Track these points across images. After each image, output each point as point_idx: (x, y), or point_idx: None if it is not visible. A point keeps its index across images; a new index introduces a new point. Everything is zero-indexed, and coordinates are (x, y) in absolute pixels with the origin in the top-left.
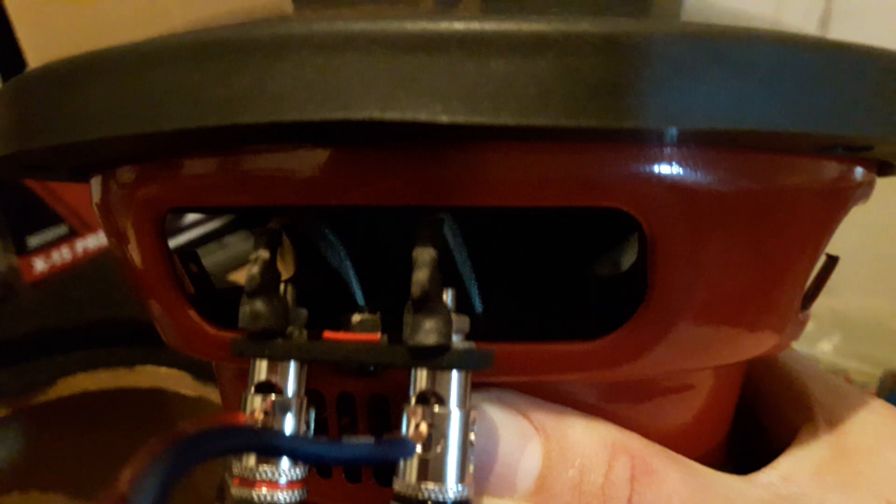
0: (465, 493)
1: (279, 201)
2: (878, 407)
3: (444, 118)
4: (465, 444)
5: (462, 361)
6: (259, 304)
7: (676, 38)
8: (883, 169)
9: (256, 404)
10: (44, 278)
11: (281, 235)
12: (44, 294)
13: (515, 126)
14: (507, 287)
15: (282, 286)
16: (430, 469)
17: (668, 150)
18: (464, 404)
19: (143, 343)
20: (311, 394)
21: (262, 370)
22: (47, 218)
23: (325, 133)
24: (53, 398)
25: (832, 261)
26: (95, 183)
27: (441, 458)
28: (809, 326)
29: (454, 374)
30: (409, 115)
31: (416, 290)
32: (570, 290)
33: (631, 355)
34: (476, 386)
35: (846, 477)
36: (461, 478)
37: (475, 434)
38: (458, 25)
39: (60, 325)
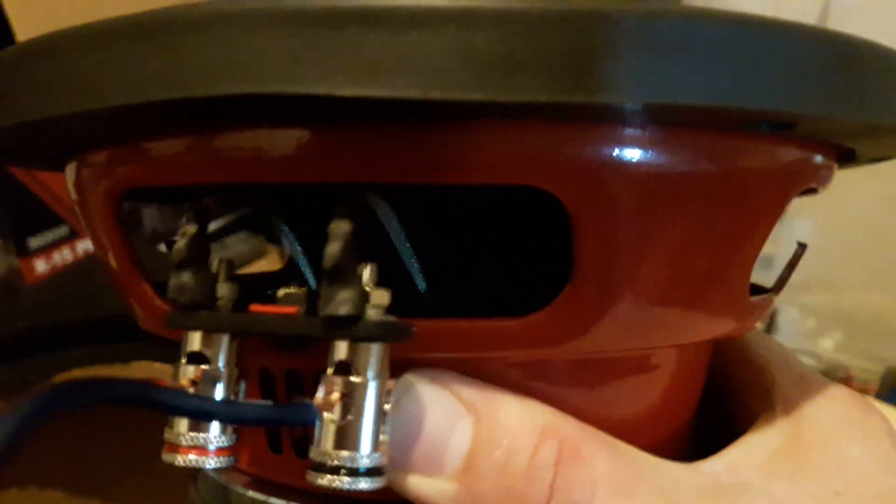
0: (379, 461)
1: (225, 179)
2: (841, 396)
3: (344, 91)
4: (379, 414)
5: (376, 333)
6: (185, 277)
7: (578, 13)
8: (847, 157)
9: (187, 373)
10: (45, 279)
11: (207, 212)
12: (41, 292)
13: (419, 99)
14: (457, 266)
15: (216, 262)
16: (344, 437)
17: (580, 128)
18: (380, 375)
19: (138, 339)
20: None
21: (194, 341)
22: (48, 219)
23: (250, 110)
24: None
25: (801, 248)
26: (69, 170)
27: (354, 427)
28: (811, 323)
29: (371, 346)
30: (311, 88)
31: (327, 261)
32: (519, 267)
33: (560, 334)
34: (411, 364)
35: (796, 466)
36: (374, 446)
37: (406, 411)
38: (360, 1)
39: (56, 323)
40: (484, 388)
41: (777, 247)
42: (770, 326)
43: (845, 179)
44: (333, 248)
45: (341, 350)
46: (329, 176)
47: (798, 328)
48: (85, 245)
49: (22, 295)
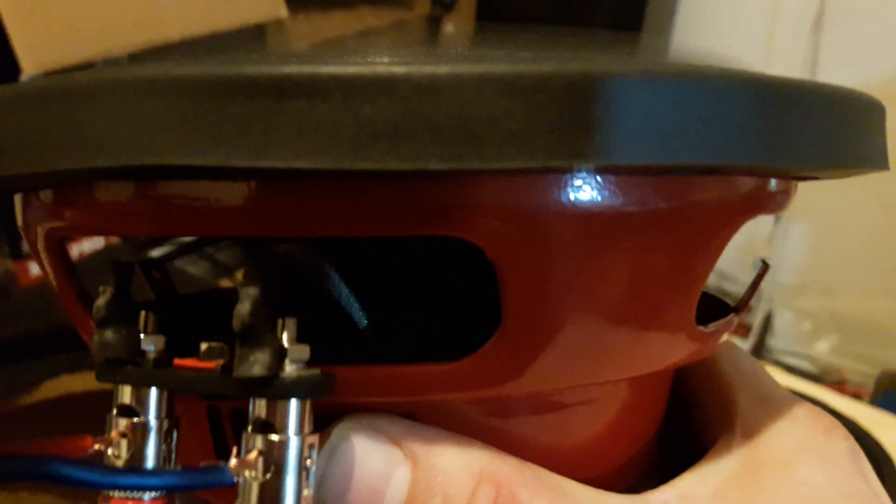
0: None
1: (161, 232)
2: (805, 418)
3: (235, 162)
4: (301, 470)
5: (294, 390)
6: (108, 334)
7: (469, 77)
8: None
9: (119, 426)
10: (39, 282)
11: (132, 268)
12: (35, 295)
13: (309, 169)
14: (395, 309)
15: (142, 315)
16: (266, 495)
17: (495, 180)
18: (300, 431)
19: None
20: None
21: (124, 394)
22: None
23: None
24: (39, 400)
25: (765, 267)
26: (17, 199)
27: (275, 485)
28: (806, 326)
29: (290, 401)
30: (202, 160)
31: (236, 323)
32: (461, 307)
33: (494, 376)
34: (347, 409)
35: (751, 493)
36: (297, 503)
37: (343, 460)
38: (249, 70)
39: (46, 328)
40: (424, 433)
41: (771, 250)
42: (765, 329)
43: (840, 183)
44: (242, 310)
45: (260, 408)
46: (256, 230)
47: (793, 331)
48: (79, 247)
49: (15, 297)
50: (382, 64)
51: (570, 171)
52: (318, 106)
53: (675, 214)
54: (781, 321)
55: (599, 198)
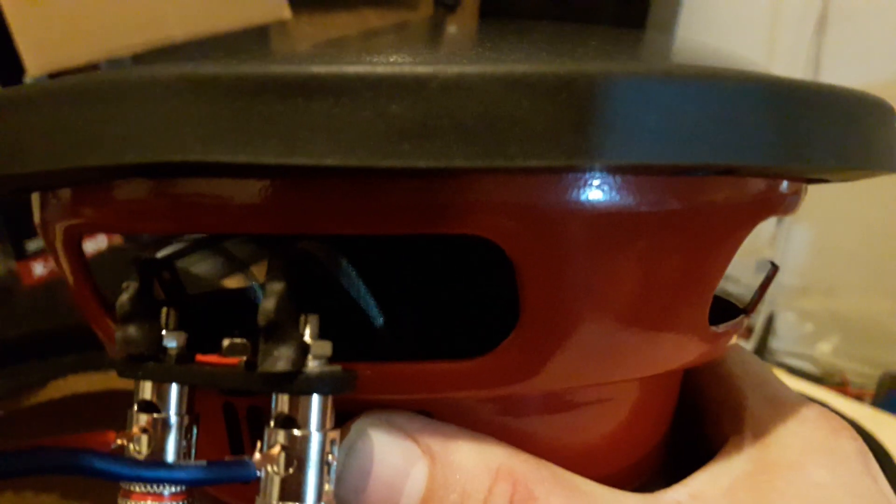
0: None
1: (181, 230)
2: (812, 418)
3: (263, 159)
4: (322, 465)
5: (317, 386)
6: (131, 330)
7: (494, 77)
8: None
9: (139, 422)
10: (42, 282)
11: (155, 265)
12: (38, 298)
13: (338, 167)
14: (413, 306)
15: (164, 311)
16: (288, 489)
17: (515, 178)
18: (322, 427)
19: None
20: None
21: (145, 389)
22: None
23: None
24: (45, 400)
25: (773, 269)
26: (34, 198)
27: (297, 479)
28: (809, 328)
29: (312, 397)
30: (231, 157)
31: (261, 319)
32: (479, 305)
33: (512, 374)
34: (366, 405)
35: (761, 494)
36: (319, 497)
37: (361, 456)
38: (278, 69)
39: (52, 329)
40: (442, 429)
41: (774, 252)
42: (768, 330)
43: (842, 185)
44: (268, 306)
45: (282, 403)
46: (278, 228)
47: (795, 332)
48: (83, 248)
49: (19, 298)
50: (408, 63)
51: (590, 170)
52: (346, 105)
53: (691, 215)
54: (783, 322)
55: (618, 197)
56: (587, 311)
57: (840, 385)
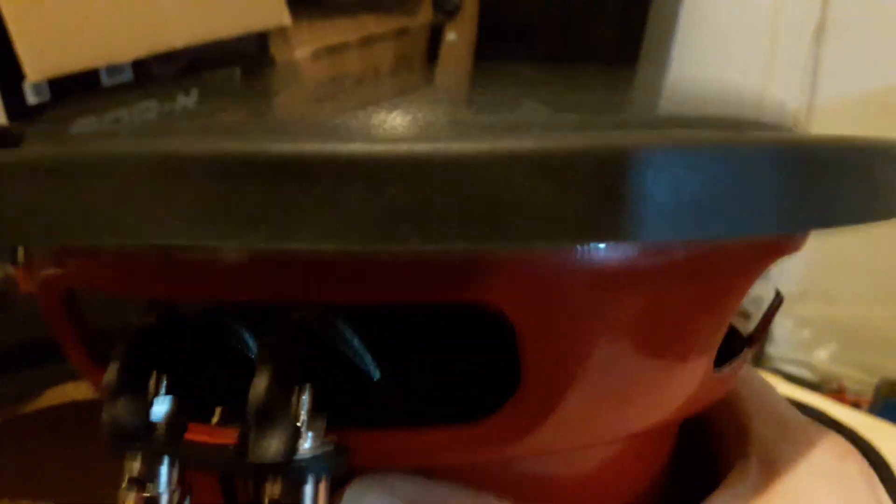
0: None
1: (171, 293)
2: (823, 444)
3: (253, 244)
4: None
5: (309, 471)
6: (118, 409)
7: (491, 155)
8: None
9: (129, 499)
10: None
11: (144, 335)
12: (36, 305)
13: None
14: (414, 361)
15: (153, 379)
16: None
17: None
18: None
19: None
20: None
21: (133, 467)
22: None
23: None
24: (43, 407)
25: (778, 298)
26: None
27: None
28: (806, 334)
29: (305, 480)
30: (218, 242)
31: (251, 406)
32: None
33: (512, 437)
34: (362, 469)
35: None
36: None
37: None
38: (269, 149)
39: (50, 336)
40: (435, 490)
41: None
42: (765, 337)
43: None
44: (257, 391)
45: (274, 489)
46: (273, 296)
47: (793, 339)
48: None
49: (17, 305)
50: (405, 141)
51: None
52: (341, 188)
53: (700, 270)
54: (781, 329)
55: (625, 261)
56: (591, 372)
57: (837, 392)
